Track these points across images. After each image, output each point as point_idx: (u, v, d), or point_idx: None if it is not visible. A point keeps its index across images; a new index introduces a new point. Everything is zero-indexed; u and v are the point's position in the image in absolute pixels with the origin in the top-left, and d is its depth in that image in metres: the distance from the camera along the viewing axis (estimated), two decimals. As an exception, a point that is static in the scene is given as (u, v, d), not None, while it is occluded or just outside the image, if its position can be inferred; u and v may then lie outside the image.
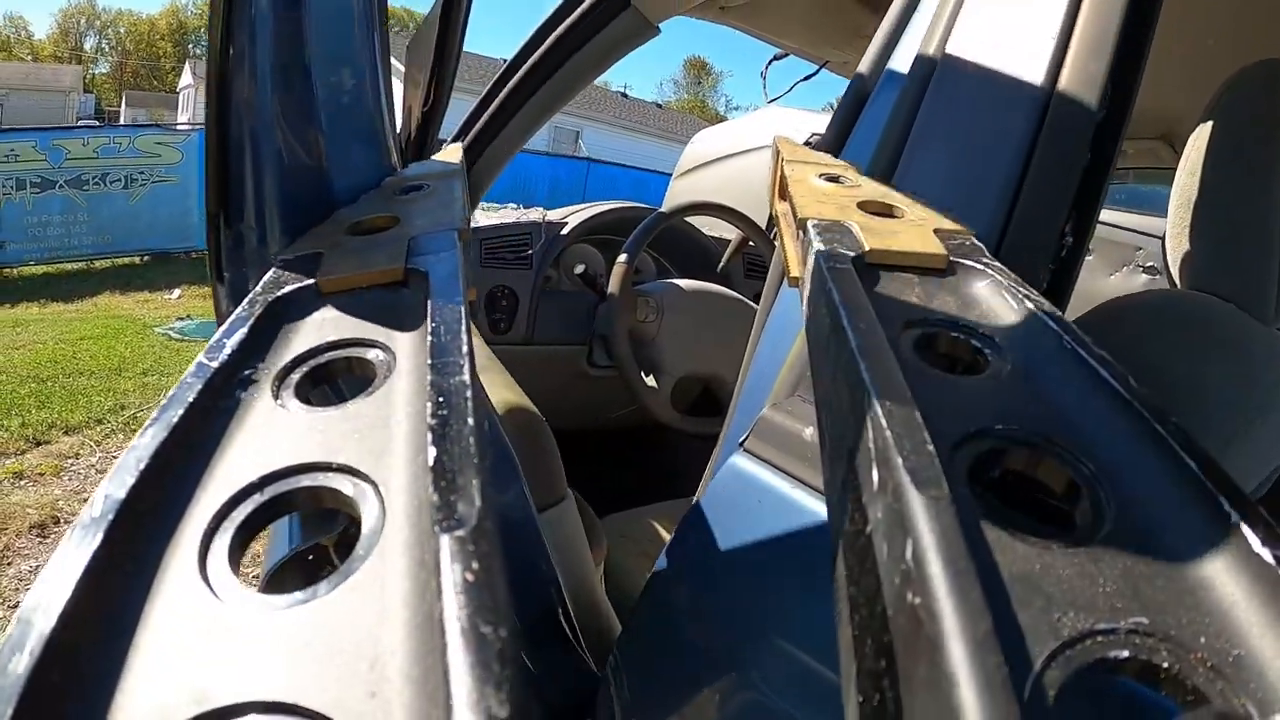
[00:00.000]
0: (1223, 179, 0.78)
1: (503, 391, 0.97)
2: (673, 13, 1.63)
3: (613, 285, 1.74)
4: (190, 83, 35.08)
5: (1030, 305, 0.33)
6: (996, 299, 0.35)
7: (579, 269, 1.94)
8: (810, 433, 0.56)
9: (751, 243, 2.06)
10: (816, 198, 0.46)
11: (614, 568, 1.52)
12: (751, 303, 1.93)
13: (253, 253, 0.56)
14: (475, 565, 0.20)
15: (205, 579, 0.22)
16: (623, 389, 2.06)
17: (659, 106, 32.23)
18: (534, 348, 1.95)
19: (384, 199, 0.45)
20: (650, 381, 1.78)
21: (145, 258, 10.50)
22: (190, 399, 0.27)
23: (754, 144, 3.89)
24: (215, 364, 0.28)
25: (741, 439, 0.62)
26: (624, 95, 29.75)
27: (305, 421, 0.27)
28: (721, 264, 2.10)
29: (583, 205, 2.17)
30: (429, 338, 0.29)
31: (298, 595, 0.21)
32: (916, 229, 0.41)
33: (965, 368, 0.32)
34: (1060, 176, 0.52)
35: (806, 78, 2.26)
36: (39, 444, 4.16)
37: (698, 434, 1.81)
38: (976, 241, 0.40)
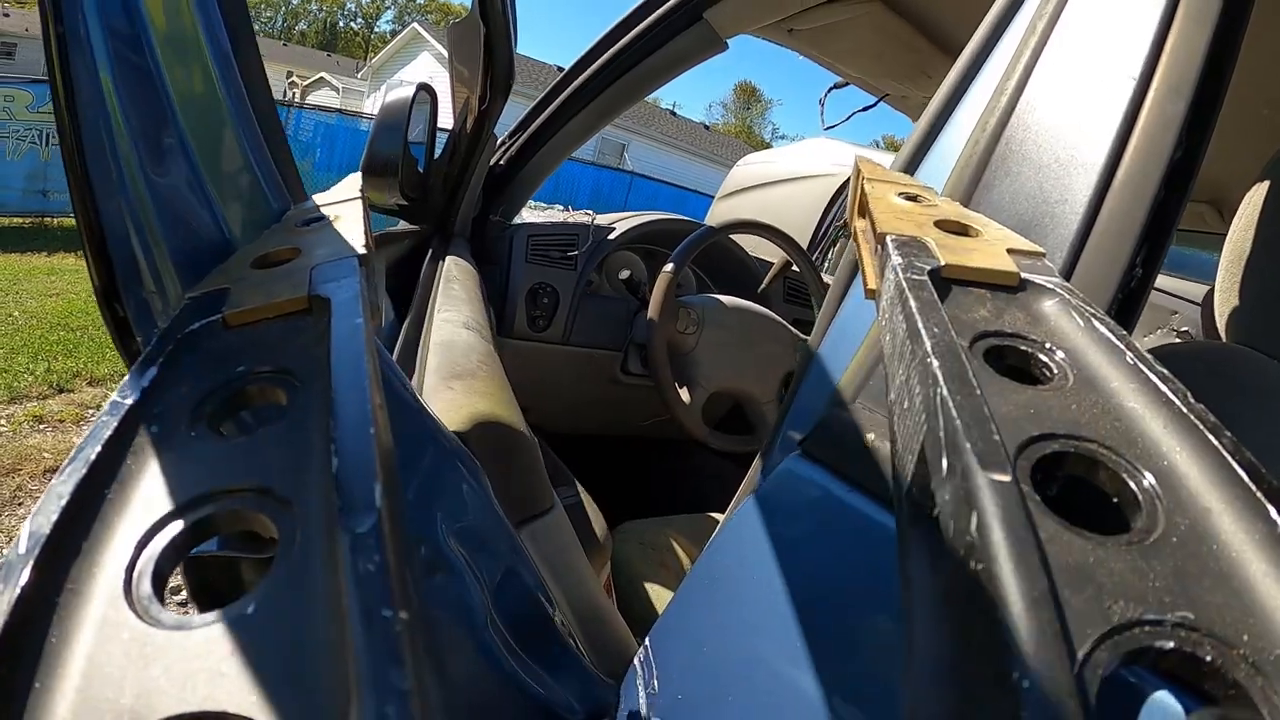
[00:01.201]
0: (1274, 237, 0.79)
1: (479, 403, 0.94)
2: (743, 29, 1.65)
3: (656, 292, 1.73)
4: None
5: (1096, 323, 0.34)
6: (1064, 316, 0.36)
7: (624, 274, 1.95)
8: (873, 438, 0.57)
9: (795, 267, 2.06)
10: (895, 215, 0.47)
11: (630, 573, 1.51)
12: (790, 325, 1.93)
13: (160, 315, 0.57)
14: (376, 557, 0.22)
15: (131, 605, 0.22)
16: (651, 400, 2.06)
17: (706, 128, 32.13)
18: (569, 348, 1.96)
19: (286, 232, 0.46)
20: (683, 394, 1.77)
21: (185, 223, 10.57)
22: (107, 436, 0.28)
23: (799, 173, 3.91)
24: (129, 401, 0.30)
25: (800, 439, 0.62)
26: (673, 113, 29.85)
27: (220, 450, 0.28)
28: (763, 285, 2.10)
29: (631, 213, 2.18)
30: (332, 360, 0.30)
31: (221, 613, 0.22)
32: (990, 248, 0.42)
33: (1032, 378, 0.33)
34: (1135, 210, 0.53)
35: (865, 108, 2.26)
36: (62, 391, 4.22)
37: (725, 451, 1.80)
38: (1048, 263, 0.41)
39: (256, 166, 0.60)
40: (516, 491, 0.94)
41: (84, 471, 0.26)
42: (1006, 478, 0.24)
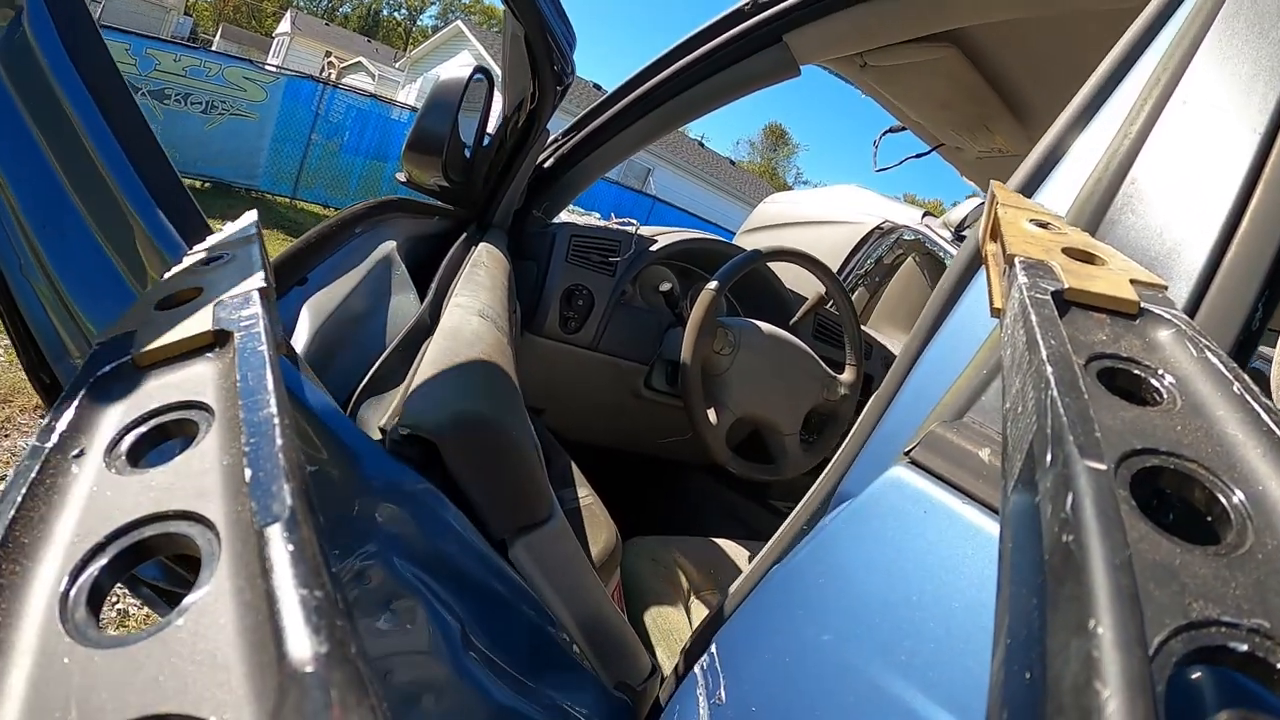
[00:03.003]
0: None
1: (465, 402, 0.89)
2: (820, 58, 1.64)
3: (697, 308, 1.72)
4: (287, 30, 35.84)
5: (1209, 355, 0.35)
6: (1179, 346, 0.37)
7: (665, 286, 1.93)
8: (987, 452, 0.58)
9: (830, 305, 2.04)
10: (1025, 239, 0.48)
11: (641, 588, 1.50)
12: (822, 363, 1.91)
13: None
14: (291, 548, 0.24)
15: (68, 632, 0.23)
16: (670, 419, 2.04)
17: (732, 163, 32.16)
18: (597, 354, 1.95)
19: (186, 273, 0.47)
20: (710, 415, 1.75)
21: (207, 184, 10.66)
22: (30, 479, 0.29)
23: (825, 217, 3.92)
24: (48, 445, 0.31)
25: (907, 449, 0.62)
26: (701, 144, 29.96)
27: (140, 482, 0.29)
28: (795, 318, 2.08)
29: (673, 228, 2.17)
30: (240, 388, 0.32)
31: (155, 627, 0.23)
32: (1114, 276, 0.43)
33: (1140, 400, 0.34)
34: (1260, 257, 0.56)
35: (918, 155, 2.27)
36: (65, 328, 4.19)
37: (743, 477, 1.78)
38: (1169, 296, 0.42)
39: (147, 222, 0.66)
40: (509, 499, 0.91)
41: (11, 513, 0.27)
42: (1103, 466, 0.27)
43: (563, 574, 0.97)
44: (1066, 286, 0.40)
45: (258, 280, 0.42)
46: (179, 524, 0.27)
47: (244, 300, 0.40)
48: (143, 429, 0.32)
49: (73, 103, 0.64)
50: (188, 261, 0.49)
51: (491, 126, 1.83)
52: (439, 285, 1.32)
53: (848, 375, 1.94)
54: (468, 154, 1.75)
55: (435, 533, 0.79)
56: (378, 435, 0.83)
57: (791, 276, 2.21)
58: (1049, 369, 0.32)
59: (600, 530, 1.37)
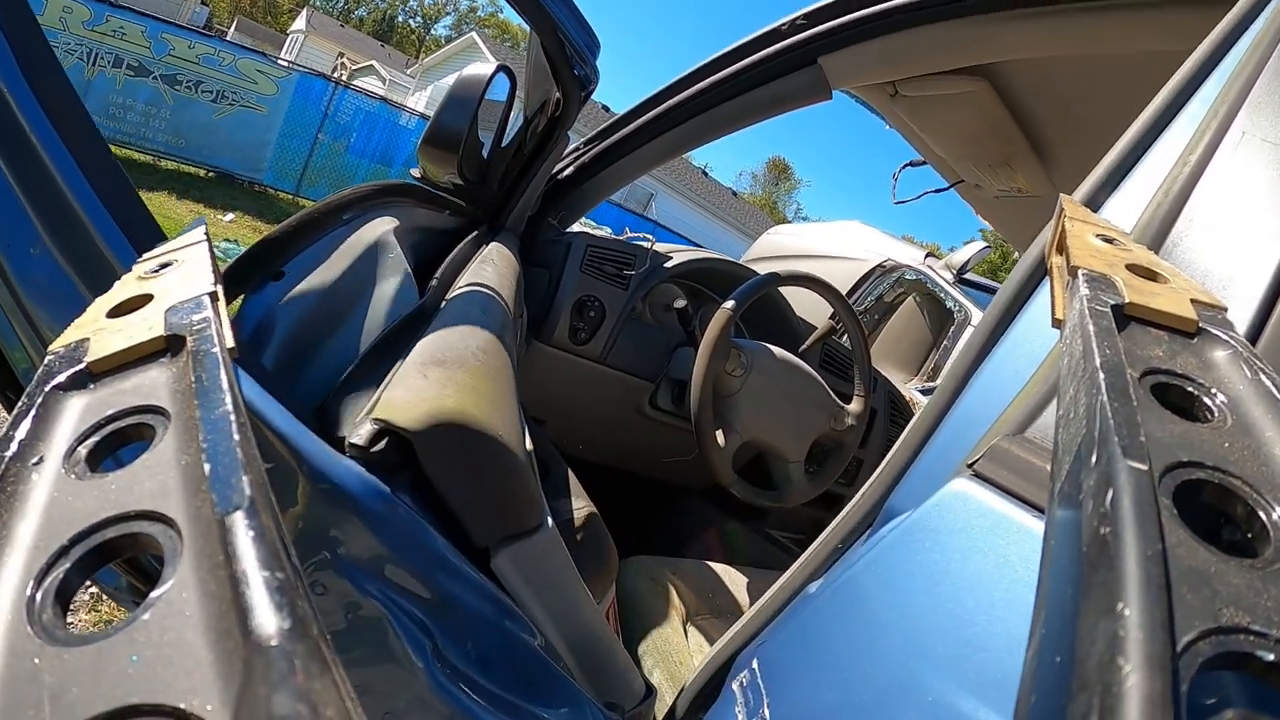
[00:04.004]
0: None
1: (448, 399, 0.83)
2: (853, 83, 1.64)
3: (713, 327, 1.69)
4: (302, 29, 36.02)
5: (1263, 377, 0.36)
6: (1235, 367, 0.37)
7: (679, 304, 1.90)
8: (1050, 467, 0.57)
9: (837, 335, 2.02)
10: (1090, 253, 0.49)
11: (640, 607, 1.48)
12: (831, 392, 1.89)
13: None
14: (252, 533, 0.25)
15: (37, 635, 0.24)
16: (672, 440, 2.02)
17: (734, 194, 32.33)
18: (604, 368, 1.92)
19: (136, 280, 0.48)
20: (718, 436, 1.71)
21: (211, 173, 10.69)
22: None
23: (828, 252, 3.93)
24: (8, 454, 0.31)
25: (970, 461, 0.62)
26: (704, 173, 30.10)
27: (100, 486, 0.29)
28: (804, 346, 2.06)
29: (688, 247, 2.16)
30: (195, 390, 0.33)
31: (123, 622, 0.24)
32: (1175, 295, 0.44)
33: (1191, 416, 0.34)
34: None
35: (937, 190, 2.28)
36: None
37: (747, 501, 1.75)
38: (1228, 317, 0.43)
39: (100, 231, 0.68)
40: (494, 505, 0.88)
41: None
42: (1144, 466, 0.28)
43: (550, 587, 0.94)
44: (1127, 301, 0.41)
45: (207, 285, 0.43)
46: (140, 524, 0.27)
47: (195, 305, 0.40)
48: (99, 435, 0.33)
49: (31, 124, 0.66)
50: (137, 269, 0.49)
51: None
52: (443, 277, 1.27)
53: (855, 406, 1.92)
54: (485, 154, 1.72)
55: (397, 543, 0.76)
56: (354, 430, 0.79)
57: (800, 307, 2.20)
58: (1101, 376, 0.33)
59: (597, 543, 1.34)
